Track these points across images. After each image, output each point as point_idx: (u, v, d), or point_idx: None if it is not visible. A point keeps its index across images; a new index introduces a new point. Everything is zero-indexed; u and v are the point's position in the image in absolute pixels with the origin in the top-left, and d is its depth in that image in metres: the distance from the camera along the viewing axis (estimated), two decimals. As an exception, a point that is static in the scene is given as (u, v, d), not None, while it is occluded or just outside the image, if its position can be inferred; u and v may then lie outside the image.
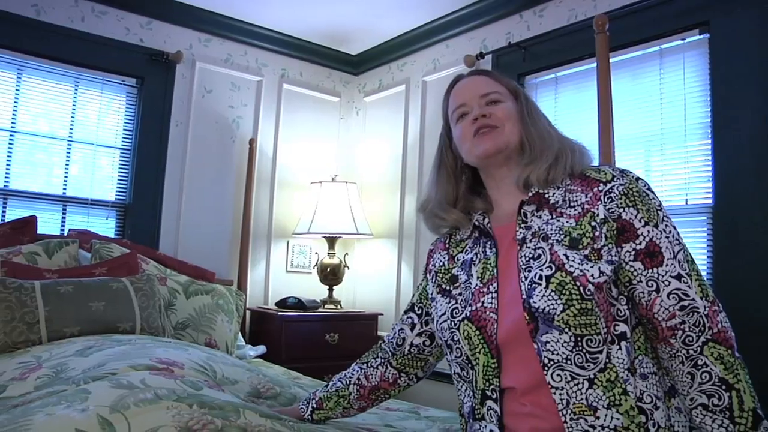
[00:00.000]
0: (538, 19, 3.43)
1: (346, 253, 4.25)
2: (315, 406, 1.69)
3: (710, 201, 2.67)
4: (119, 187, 3.78)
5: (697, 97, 2.76)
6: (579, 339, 1.25)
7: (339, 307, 4.05)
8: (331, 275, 4.06)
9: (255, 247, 4.11)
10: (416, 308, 1.67)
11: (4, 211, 3.44)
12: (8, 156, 3.46)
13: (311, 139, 4.44)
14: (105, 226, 3.71)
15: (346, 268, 4.12)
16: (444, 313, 1.47)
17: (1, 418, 1.44)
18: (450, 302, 1.48)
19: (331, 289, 4.10)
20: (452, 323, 1.43)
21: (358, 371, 1.71)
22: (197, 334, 3.07)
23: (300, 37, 4.30)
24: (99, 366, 1.74)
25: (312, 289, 4.19)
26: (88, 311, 2.51)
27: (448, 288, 1.51)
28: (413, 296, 1.72)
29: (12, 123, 3.47)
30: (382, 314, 4.06)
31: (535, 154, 1.43)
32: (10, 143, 3.47)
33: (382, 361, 1.69)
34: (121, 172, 3.79)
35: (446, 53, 3.96)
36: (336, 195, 4.02)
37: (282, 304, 3.88)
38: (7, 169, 3.46)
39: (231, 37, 4.09)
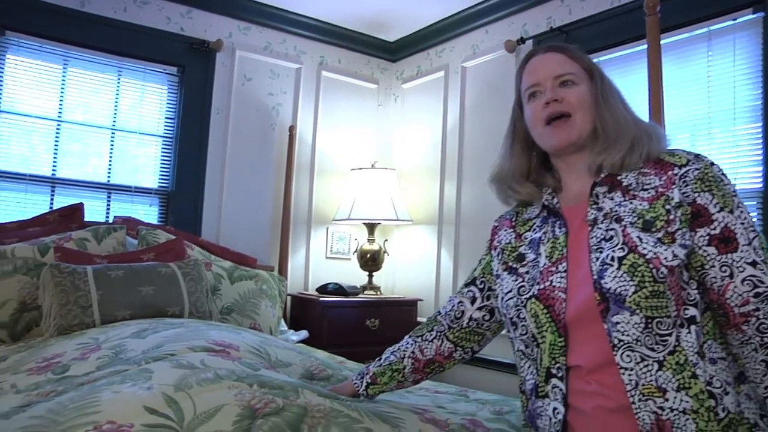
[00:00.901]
0: (580, 2, 3.39)
1: (386, 240, 4.27)
2: (369, 381, 1.70)
3: (760, 185, 2.63)
4: (162, 175, 3.83)
5: (748, 80, 2.71)
6: (649, 321, 1.24)
7: (378, 293, 4.08)
8: (370, 261, 4.08)
9: (295, 233, 4.14)
10: (478, 282, 1.67)
11: (52, 199, 3.51)
12: (55, 145, 3.53)
13: (350, 126, 4.46)
14: (148, 212, 3.78)
15: (385, 255, 4.14)
16: (510, 291, 1.48)
17: (69, 394, 1.48)
18: (516, 280, 1.48)
19: (370, 275, 4.12)
20: (519, 301, 1.44)
21: (412, 344, 1.70)
22: (242, 319, 3.12)
23: (338, 24, 4.31)
24: (157, 347, 1.77)
25: (351, 275, 4.22)
26: (138, 295, 2.56)
27: (514, 266, 1.51)
28: (474, 270, 1.71)
29: (59, 113, 3.54)
30: (421, 300, 4.08)
31: (609, 140, 1.41)
32: (57, 133, 3.54)
33: (438, 334, 1.68)
34: (164, 160, 3.84)
35: (486, 39, 3.94)
36: (375, 181, 4.03)
37: (322, 289, 3.91)
38: (54, 158, 3.53)
39: (270, 25, 4.12)
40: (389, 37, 4.51)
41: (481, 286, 1.66)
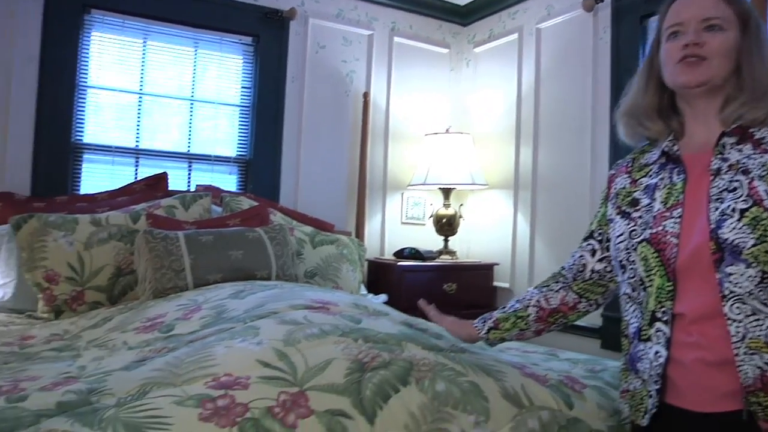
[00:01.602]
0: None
1: (461, 204, 4.27)
2: (492, 325, 1.72)
3: None
4: (240, 143, 3.91)
5: None
6: (765, 275, 1.23)
7: (454, 257, 4.09)
8: (446, 226, 4.09)
9: (371, 199, 4.18)
10: (596, 234, 1.66)
11: (137, 169, 3.63)
12: (138, 117, 3.64)
13: (422, 91, 4.44)
14: (228, 181, 3.86)
15: (461, 219, 4.14)
16: (621, 234, 1.48)
17: (183, 350, 1.55)
18: (629, 224, 1.47)
19: (446, 240, 4.13)
20: (629, 244, 1.44)
21: (537, 294, 1.72)
22: (324, 283, 3.18)
23: (409, -11, 4.30)
24: (259, 306, 1.83)
25: (426, 240, 4.24)
26: (228, 259, 2.64)
27: (627, 210, 1.51)
28: (591, 223, 1.70)
29: (140, 86, 3.64)
30: (498, 264, 4.07)
31: (757, 94, 1.37)
32: (139, 105, 3.64)
33: (563, 285, 1.70)
34: (242, 129, 3.91)
35: (561, -2, 3.86)
36: (450, 146, 4.03)
37: (399, 254, 3.94)
38: (137, 129, 3.64)
39: (341, -8, 4.14)
40: (460, 0, 4.46)
41: (600, 238, 1.65)
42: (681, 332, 1.32)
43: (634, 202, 1.50)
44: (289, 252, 2.85)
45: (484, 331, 1.73)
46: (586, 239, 1.70)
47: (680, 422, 1.33)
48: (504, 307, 1.75)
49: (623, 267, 1.46)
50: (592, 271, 1.66)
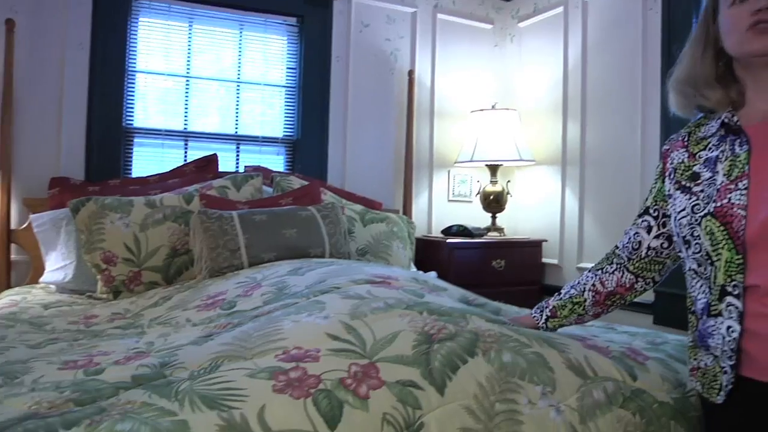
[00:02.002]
0: None
1: (508, 181, 4.24)
2: (549, 314, 1.72)
3: None
4: (287, 124, 3.93)
5: None
6: None
7: (502, 234, 4.08)
8: (494, 203, 4.07)
9: (417, 177, 4.18)
10: (651, 210, 1.64)
11: (186, 152, 3.68)
12: (185, 100, 3.68)
13: (467, 68, 4.41)
14: (276, 161, 3.90)
15: (508, 196, 4.12)
16: (683, 209, 1.45)
17: (250, 325, 1.57)
18: (690, 198, 1.44)
19: (494, 217, 4.12)
20: (692, 218, 1.41)
21: (592, 278, 1.70)
22: (376, 260, 3.20)
23: (451, -36, 4.26)
24: (320, 282, 1.85)
25: (473, 217, 4.22)
26: (282, 238, 2.66)
27: (688, 185, 1.48)
28: (646, 200, 1.67)
29: (187, 69, 3.68)
30: (546, 241, 4.05)
31: None
32: (186, 88, 3.68)
33: (618, 266, 1.68)
34: (288, 110, 3.93)
35: (608, -32, 3.78)
36: (497, 123, 4.00)
37: (446, 232, 3.94)
38: (185, 112, 3.68)
39: (384, -31, 4.11)
40: (503, -26, 4.41)
41: (655, 214, 1.63)
42: (755, 304, 1.29)
43: (695, 176, 1.47)
44: (342, 230, 2.87)
45: (542, 321, 1.73)
46: (640, 216, 1.66)
47: (758, 395, 1.30)
48: (559, 294, 1.75)
49: (687, 243, 1.43)
50: (649, 248, 1.63)
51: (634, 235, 1.66)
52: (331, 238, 2.77)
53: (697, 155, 1.50)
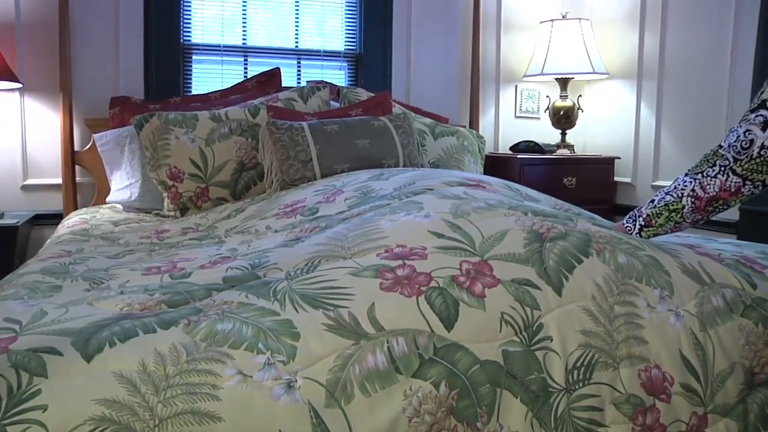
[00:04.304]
0: None
1: (579, 95, 4.05)
2: (643, 223, 1.60)
3: None
4: (348, 38, 3.79)
5: None
6: None
7: (572, 151, 3.92)
8: (564, 119, 3.90)
9: (484, 92, 4.01)
10: None
11: (245, 68, 3.59)
12: (243, 15, 3.57)
13: (536, -25, 4.18)
14: (338, 76, 3.78)
15: (579, 111, 3.94)
16: None
17: (344, 225, 1.49)
18: None
19: (563, 134, 3.95)
20: None
21: (690, 182, 1.56)
22: (449, 175, 3.09)
23: None
24: (410, 184, 1.75)
25: (542, 133, 4.06)
26: (355, 148, 2.57)
27: None
28: (762, 92, 1.50)
29: (246, -18, 3.56)
30: (619, 158, 3.88)
31: None
32: (244, 2, 3.56)
33: (722, 168, 1.52)
34: (349, 23, 3.79)
35: None
36: (568, 33, 3.79)
37: (515, 148, 3.81)
38: (243, 27, 3.57)
39: None
40: None
41: None
42: None
43: None
44: (415, 141, 2.76)
45: (635, 230, 1.60)
46: (753, 111, 1.49)
47: None
48: (653, 201, 1.61)
49: None
50: (762, 147, 1.45)
51: (745, 132, 1.49)
52: (405, 149, 2.66)
53: None
